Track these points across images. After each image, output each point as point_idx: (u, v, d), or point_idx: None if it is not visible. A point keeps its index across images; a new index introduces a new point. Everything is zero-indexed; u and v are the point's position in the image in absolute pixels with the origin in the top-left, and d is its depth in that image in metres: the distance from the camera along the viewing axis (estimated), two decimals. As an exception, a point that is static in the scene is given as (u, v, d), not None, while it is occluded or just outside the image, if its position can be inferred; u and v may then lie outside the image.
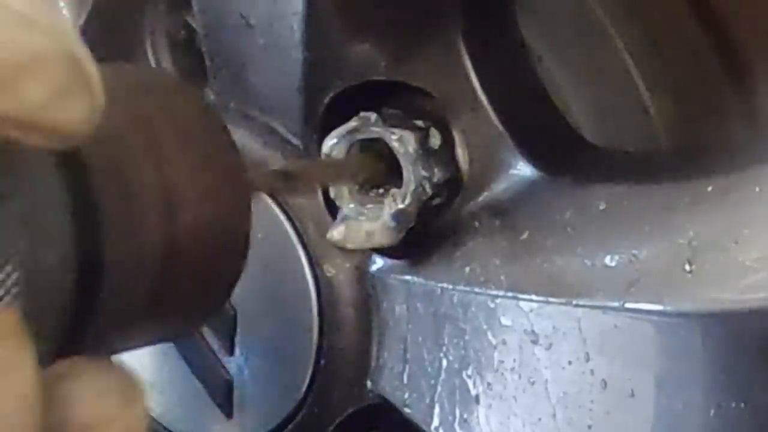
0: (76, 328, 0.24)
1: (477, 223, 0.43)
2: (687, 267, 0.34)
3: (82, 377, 0.24)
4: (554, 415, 0.38)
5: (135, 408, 0.24)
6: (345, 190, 0.44)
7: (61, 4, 0.55)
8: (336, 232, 0.44)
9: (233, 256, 0.29)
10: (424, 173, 0.43)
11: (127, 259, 0.25)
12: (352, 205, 0.44)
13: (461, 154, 0.44)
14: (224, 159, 0.28)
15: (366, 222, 0.43)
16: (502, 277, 0.40)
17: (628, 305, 0.36)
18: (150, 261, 0.26)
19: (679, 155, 0.52)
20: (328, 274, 0.46)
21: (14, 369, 0.21)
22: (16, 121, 0.21)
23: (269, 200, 0.47)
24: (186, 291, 0.27)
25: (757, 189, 0.34)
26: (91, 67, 0.22)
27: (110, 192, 0.24)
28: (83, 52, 0.22)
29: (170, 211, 0.26)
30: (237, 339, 0.49)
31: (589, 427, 0.37)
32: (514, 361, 0.40)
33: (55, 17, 0.21)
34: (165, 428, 0.53)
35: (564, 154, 0.44)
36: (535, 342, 0.39)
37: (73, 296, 0.24)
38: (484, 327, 0.40)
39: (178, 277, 0.26)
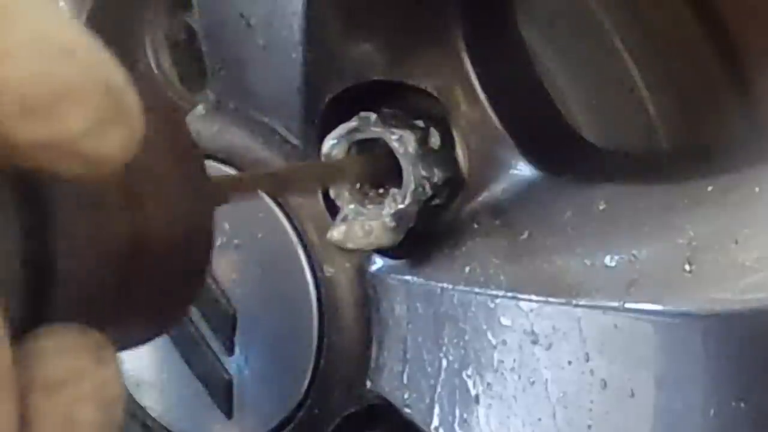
0: (35, 320, 0.24)
1: (477, 223, 0.43)
2: (687, 267, 0.34)
3: (51, 336, 0.23)
4: (554, 415, 0.38)
5: (107, 367, 0.24)
6: (345, 190, 0.44)
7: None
8: (336, 232, 0.44)
9: (195, 260, 0.29)
10: (423, 173, 0.43)
11: (91, 257, 0.24)
12: (352, 205, 0.44)
13: (461, 154, 0.44)
14: (188, 167, 0.28)
15: (366, 222, 0.43)
16: (502, 277, 0.40)
17: (627, 305, 0.36)
18: (113, 259, 0.26)
19: (679, 155, 0.52)
20: (328, 274, 0.46)
21: None
22: (55, 148, 0.21)
23: (269, 200, 0.47)
24: (149, 289, 0.27)
25: (757, 189, 0.34)
26: (131, 97, 0.22)
27: (64, 190, 0.24)
28: (123, 82, 0.22)
29: (132, 207, 0.26)
30: (237, 339, 0.49)
31: (589, 427, 0.37)
32: (514, 361, 0.40)
33: (94, 47, 0.21)
34: (165, 428, 0.53)
35: (564, 154, 0.44)
36: (534, 342, 0.39)
37: (27, 289, 0.23)
38: (484, 327, 0.40)
39: (142, 276, 0.26)
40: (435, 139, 0.43)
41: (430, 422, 0.43)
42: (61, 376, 0.23)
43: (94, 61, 0.21)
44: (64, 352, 0.23)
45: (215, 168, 0.48)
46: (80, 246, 0.23)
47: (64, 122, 0.21)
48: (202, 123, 0.49)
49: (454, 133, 0.44)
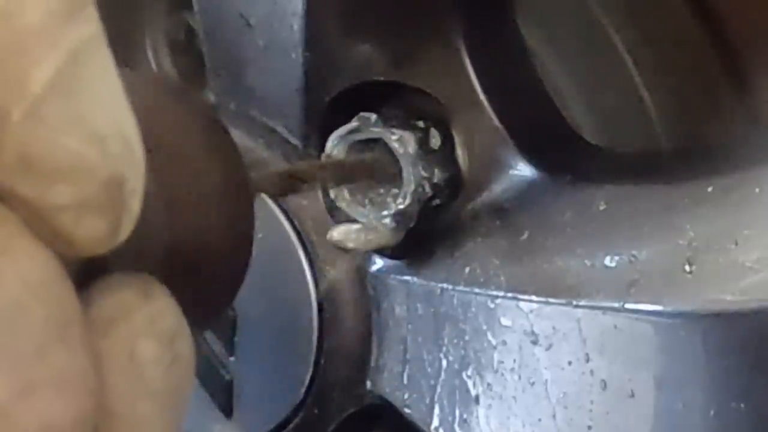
0: None
1: (477, 224, 0.43)
2: (687, 268, 0.34)
3: (97, 283, 0.23)
4: (554, 416, 0.38)
5: (156, 300, 0.24)
6: (345, 190, 0.44)
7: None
8: (336, 232, 0.44)
9: (237, 260, 0.29)
10: (424, 173, 0.43)
11: (129, 258, 0.24)
12: (352, 206, 0.44)
13: (461, 154, 0.44)
14: (226, 161, 0.28)
15: (366, 222, 0.43)
16: (502, 278, 0.40)
17: (628, 306, 0.36)
18: (152, 261, 0.25)
19: (679, 155, 0.52)
20: (328, 275, 0.46)
21: (19, 250, 0.20)
22: (30, 207, 0.21)
23: (269, 200, 0.47)
24: (188, 293, 0.27)
25: (757, 190, 0.34)
26: (134, 203, 0.22)
27: None
28: (135, 183, 0.21)
29: (171, 209, 0.26)
30: (237, 339, 0.49)
31: (589, 427, 0.37)
32: (514, 361, 0.39)
33: (131, 141, 0.21)
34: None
35: (564, 155, 0.44)
36: (534, 342, 0.39)
37: (76, 276, 0.23)
38: (484, 327, 0.40)
39: (181, 279, 0.26)
40: (435, 140, 0.43)
41: (430, 422, 0.43)
42: (112, 314, 0.23)
43: (118, 155, 0.21)
44: (110, 290, 0.23)
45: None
46: (122, 246, 0.23)
47: (46, 191, 0.20)
48: (202, 123, 0.49)
49: (454, 134, 0.44)
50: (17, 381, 0.19)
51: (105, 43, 0.21)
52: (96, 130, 0.21)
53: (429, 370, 0.43)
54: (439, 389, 0.42)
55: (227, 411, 0.50)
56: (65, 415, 0.20)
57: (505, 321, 0.40)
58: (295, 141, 0.47)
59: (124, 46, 0.58)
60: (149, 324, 0.23)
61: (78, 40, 0.20)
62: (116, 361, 0.22)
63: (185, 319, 0.24)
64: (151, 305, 0.23)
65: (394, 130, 0.43)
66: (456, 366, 0.42)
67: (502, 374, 0.40)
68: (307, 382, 0.47)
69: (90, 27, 0.20)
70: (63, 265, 0.21)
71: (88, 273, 0.23)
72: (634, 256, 0.36)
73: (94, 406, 0.21)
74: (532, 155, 0.43)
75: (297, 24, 0.44)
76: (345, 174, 0.44)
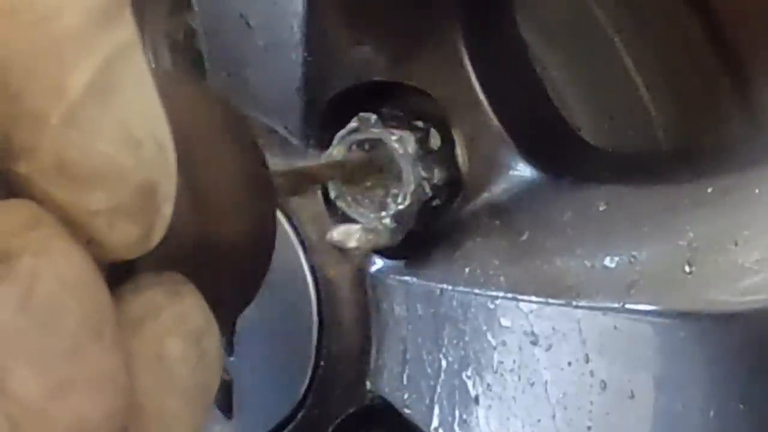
0: None
1: (477, 224, 0.43)
2: (687, 268, 0.34)
3: (127, 283, 0.23)
4: (554, 416, 0.38)
5: (184, 299, 0.24)
6: (345, 190, 0.44)
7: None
8: (336, 233, 0.44)
9: (262, 254, 0.29)
10: (423, 174, 0.43)
11: (158, 256, 0.25)
12: (352, 206, 0.44)
13: (461, 154, 0.44)
14: (250, 157, 0.28)
15: (366, 222, 0.43)
16: (502, 278, 0.40)
17: (627, 306, 0.36)
18: (181, 258, 0.26)
19: (679, 156, 0.52)
20: (328, 275, 0.46)
21: (57, 251, 0.20)
22: (65, 211, 0.21)
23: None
24: (216, 287, 0.27)
25: (757, 191, 0.34)
26: (166, 208, 0.22)
27: None
28: (168, 187, 0.22)
29: (198, 208, 0.26)
30: (237, 340, 0.49)
31: (589, 428, 0.37)
32: (514, 362, 0.39)
33: (165, 147, 0.21)
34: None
35: (564, 155, 0.44)
36: (534, 343, 0.39)
37: (108, 276, 0.24)
38: (484, 328, 0.40)
39: (208, 275, 0.26)
40: (435, 140, 0.43)
41: (430, 423, 0.43)
42: (141, 313, 0.23)
43: (152, 160, 0.21)
44: (139, 290, 0.23)
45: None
46: (151, 249, 0.23)
47: (81, 195, 0.21)
48: (202, 123, 0.49)
49: (454, 134, 0.44)
50: (53, 379, 0.20)
51: (140, 47, 0.21)
52: (131, 135, 0.21)
53: (429, 370, 0.43)
54: (438, 389, 0.42)
55: (227, 411, 0.50)
56: (98, 412, 0.20)
57: (504, 321, 0.40)
58: (295, 141, 0.47)
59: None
60: (178, 323, 0.23)
61: (114, 44, 0.20)
62: (146, 359, 0.23)
63: (213, 318, 0.24)
64: (180, 304, 0.24)
65: (393, 131, 0.43)
66: (456, 366, 0.42)
67: (502, 375, 0.40)
68: (307, 382, 0.47)
69: (126, 32, 0.21)
70: (97, 265, 0.21)
71: (118, 271, 0.23)
72: (634, 256, 0.36)
73: (126, 403, 0.21)
74: (532, 155, 0.43)
75: (297, 24, 0.44)
76: (345, 174, 0.44)
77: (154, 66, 0.58)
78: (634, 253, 0.36)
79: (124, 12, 0.21)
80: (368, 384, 0.46)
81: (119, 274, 0.23)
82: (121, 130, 0.21)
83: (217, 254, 0.27)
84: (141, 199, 0.21)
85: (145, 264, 0.24)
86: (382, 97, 0.45)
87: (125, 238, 0.21)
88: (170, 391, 0.23)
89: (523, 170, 0.42)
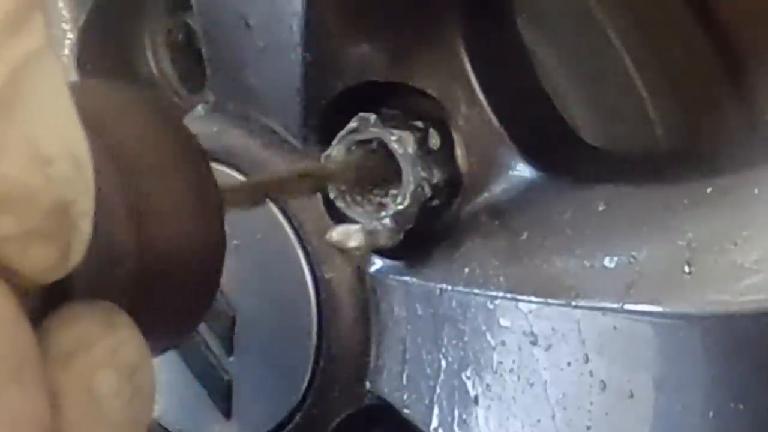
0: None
1: (476, 224, 0.43)
2: (686, 268, 0.34)
3: (59, 311, 0.22)
4: (553, 416, 0.38)
5: (119, 331, 0.23)
6: (344, 191, 0.44)
7: (60, 4, 0.55)
8: (335, 233, 0.44)
9: (207, 275, 0.28)
10: (423, 174, 0.43)
11: (96, 278, 0.24)
12: (351, 206, 0.44)
13: (460, 154, 0.44)
14: (195, 172, 0.28)
15: (365, 223, 0.43)
16: (501, 278, 0.40)
17: (627, 307, 0.36)
18: (120, 280, 0.25)
19: (679, 156, 0.52)
20: (328, 275, 0.46)
21: None
22: None
23: (268, 201, 0.47)
24: (158, 310, 0.26)
25: (756, 191, 0.34)
26: (84, 225, 0.21)
27: None
28: (84, 207, 0.21)
29: (139, 227, 0.25)
30: (236, 340, 0.49)
31: (588, 428, 0.37)
32: (513, 362, 0.39)
33: (80, 161, 0.20)
34: (165, 429, 0.53)
35: (563, 155, 0.44)
36: (534, 343, 0.39)
37: (39, 304, 0.23)
38: (483, 328, 0.40)
39: (150, 298, 0.26)
40: (434, 140, 0.43)
41: (429, 423, 0.43)
42: (72, 346, 0.22)
43: (65, 177, 0.20)
44: (71, 321, 0.22)
45: (214, 169, 0.48)
46: (88, 261, 0.23)
47: None
48: (202, 124, 0.49)
49: (454, 134, 0.44)
50: None
51: (53, 56, 0.20)
52: (41, 152, 0.19)
53: (428, 370, 0.43)
54: (438, 390, 0.42)
55: (227, 411, 0.50)
56: None
57: (504, 321, 0.40)
58: (294, 141, 0.47)
59: (124, 47, 0.58)
60: (110, 356, 0.23)
61: (20, 54, 0.19)
62: (74, 394, 0.22)
63: (148, 350, 0.24)
64: (113, 336, 0.23)
65: (393, 131, 0.43)
66: (455, 366, 0.42)
67: (501, 375, 0.40)
68: (306, 382, 0.47)
69: (35, 39, 0.19)
70: (21, 298, 0.20)
71: (52, 296, 0.22)
72: (633, 256, 0.36)
73: None
74: (531, 155, 0.43)
75: (296, 24, 0.44)
76: (345, 175, 0.44)
77: (153, 66, 0.58)
78: (633, 253, 0.36)
79: (32, 18, 0.19)
80: (368, 384, 0.46)
81: (53, 300, 0.23)
82: (29, 147, 0.19)
83: (159, 275, 0.26)
84: (55, 219, 0.20)
85: (80, 288, 0.23)
86: (382, 97, 0.45)
87: (41, 261, 0.20)
88: (100, 427, 0.22)
89: (523, 170, 0.42)
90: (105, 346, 0.22)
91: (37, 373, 0.20)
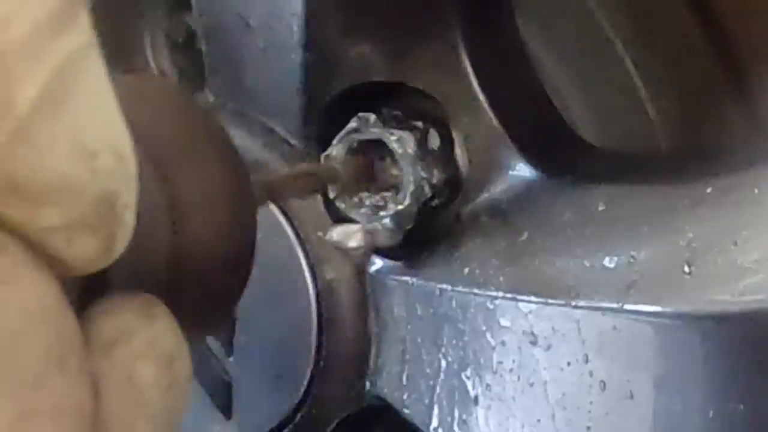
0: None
1: (476, 224, 0.43)
2: (686, 268, 0.34)
3: (99, 303, 0.23)
4: (553, 416, 0.38)
5: (157, 322, 0.24)
6: (345, 190, 0.44)
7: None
8: (335, 233, 0.44)
9: (240, 268, 0.29)
10: (423, 174, 0.43)
11: (133, 270, 0.24)
12: (351, 206, 0.44)
13: (460, 154, 0.44)
14: (230, 167, 0.28)
15: (365, 223, 0.43)
16: (501, 278, 0.40)
17: (627, 307, 0.36)
18: (156, 272, 0.25)
19: (679, 156, 0.52)
20: (328, 276, 0.46)
21: (21, 279, 0.20)
22: (21, 230, 0.20)
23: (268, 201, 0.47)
24: (193, 302, 0.27)
25: (756, 191, 0.34)
26: (128, 217, 0.21)
27: None
28: (128, 200, 0.21)
29: (175, 222, 0.26)
30: (236, 340, 0.49)
31: (588, 428, 0.37)
32: (513, 362, 0.39)
33: (123, 154, 0.21)
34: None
35: (563, 155, 0.44)
36: (534, 343, 0.39)
37: (78, 294, 0.23)
38: (483, 328, 0.40)
39: (185, 289, 0.26)
40: (434, 140, 0.43)
41: (429, 423, 0.43)
42: (112, 336, 0.23)
43: (109, 171, 0.21)
44: (111, 312, 0.23)
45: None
46: (124, 259, 0.23)
47: (36, 213, 0.20)
48: (202, 123, 0.49)
49: (454, 134, 0.44)
50: (15, 409, 0.19)
51: (98, 52, 0.20)
52: (86, 146, 0.20)
53: (428, 370, 0.43)
54: (438, 390, 0.42)
55: (227, 411, 0.50)
56: None
57: (504, 322, 0.40)
58: (294, 141, 0.47)
59: (124, 47, 0.58)
60: (149, 346, 0.23)
61: (67, 51, 0.20)
62: (115, 383, 0.22)
63: (185, 340, 0.24)
64: (152, 327, 0.23)
65: (393, 131, 0.43)
66: (455, 366, 0.42)
67: (501, 375, 0.40)
68: (306, 382, 0.47)
69: (81, 38, 0.20)
70: (64, 288, 0.21)
71: (90, 288, 0.23)
72: (633, 256, 0.36)
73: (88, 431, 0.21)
74: (531, 155, 0.43)
75: (296, 24, 0.44)
76: (345, 175, 0.44)
77: (153, 66, 0.58)
78: (633, 253, 0.36)
79: (78, 15, 0.20)
80: (368, 384, 0.46)
81: (92, 292, 0.23)
82: (74, 142, 0.20)
83: (193, 270, 0.26)
84: (99, 212, 0.21)
85: (118, 281, 0.24)
86: (382, 97, 0.45)
87: (86, 252, 0.21)
88: (140, 415, 0.23)
89: (523, 170, 0.42)
90: (144, 336, 0.23)
91: (81, 361, 0.21)
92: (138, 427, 0.23)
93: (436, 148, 0.43)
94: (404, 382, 0.44)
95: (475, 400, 0.41)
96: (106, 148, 0.21)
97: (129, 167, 0.21)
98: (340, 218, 0.45)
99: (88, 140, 0.20)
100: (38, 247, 0.20)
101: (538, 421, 0.39)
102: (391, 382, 0.45)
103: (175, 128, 0.27)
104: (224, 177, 0.28)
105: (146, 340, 0.23)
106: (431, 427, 0.43)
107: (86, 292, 0.23)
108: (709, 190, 0.35)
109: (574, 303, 0.37)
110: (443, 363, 0.42)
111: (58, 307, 0.20)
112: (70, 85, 0.20)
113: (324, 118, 0.45)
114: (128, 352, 0.23)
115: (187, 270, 0.26)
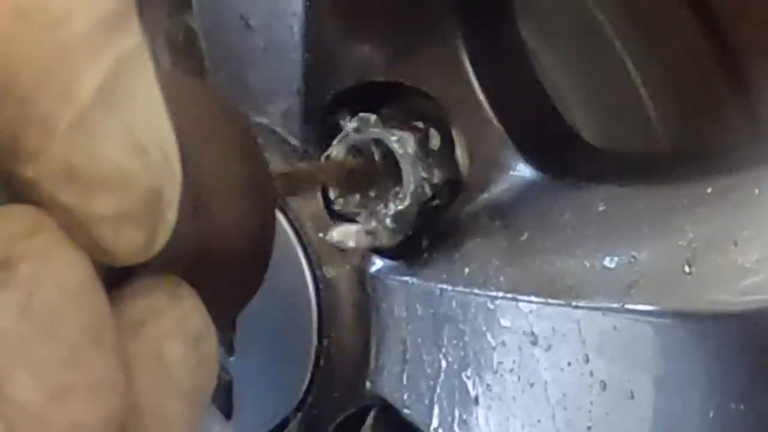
0: None
1: (477, 224, 0.43)
2: (686, 268, 0.34)
3: (127, 285, 0.24)
4: (553, 417, 0.38)
5: (184, 302, 0.24)
6: (345, 190, 0.44)
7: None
8: (335, 233, 0.44)
9: (260, 258, 0.29)
10: (423, 174, 0.43)
11: (157, 263, 0.25)
12: (351, 206, 0.44)
13: (461, 155, 0.44)
14: (251, 159, 0.29)
15: (366, 223, 0.43)
16: (502, 278, 0.40)
17: (627, 306, 0.36)
18: (181, 258, 0.26)
19: (679, 156, 0.52)
20: (328, 275, 0.46)
21: (57, 257, 0.20)
22: (71, 215, 0.21)
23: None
24: (216, 288, 0.27)
25: (757, 191, 0.34)
26: (170, 214, 0.22)
27: None
28: (172, 197, 0.22)
29: (198, 212, 0.26)
30: (236, 339, 0.49)
31: (589, 428, 0.37)
32: (514, 362, 0.39)
33: (170, 156, 0.22)
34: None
35: (564, 155, 0.44)
36: (534, 343, 0.39)
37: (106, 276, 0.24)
38: (484, 328, 0.40)
39: (209, 276, 0.27)
40: (435, 140, 0.43)
41: (430, 423, 0.43)
42: (141, 316, 0.23)
43: (158, 167, 0.21)
44: (140, 293, 0.24)
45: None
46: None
47: (89, 201, 0.21)
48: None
49: (454, 134, 0.44)
50: (51, 384, 0.20)
51: (147, 53, 0.21)
52: (138, 141, 0.21)
53: (428, 370, 0.43)
54: (438, 390, 0.42)
55: (227, 411, 0.50)
56: (96, 417, 0.20)
57: (504, 322, 0.40)
58: (294, 141, 0.47)
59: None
60: (177, 326, 0.24)
61: (123, 50, 0.20)
62: (145, 361, 0.23)
63: (210, 321, 0.25)
64: (179, 307, 0.24)
65: (393, 131, 0.43)
66: (455, 367, 0.42)
67: (502, 375, 0.40)
68: (306, 382, 0.47)
69: (134, 37, 0.21)
70: (97, 270, 0.21)
71: (117, 272, 0.23)
72: (633, 257, 0.36)
73: (123, 408, 0.21)
74: (531, 156, 0.43)
75: (297, 24, 0.44)
76: (345, 175, 0.44)
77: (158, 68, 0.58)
78: (633, 253, 0.36)
79: (131, 18, 0.21)
80: (368, 384, 0.46)
81: (118, 275, 0.23)
82: (129, 136, 0.21)
83: (216, 259, 0.27)
84: (146, 206, 0.21)
85: (147, 269, 0.24)
86: (382, 98, 0.45)
87: (130, 244, 0.22)
88: (169, 393, 0.23)
89: (523, 170, 0.42)
90: (172, 315, 0.24)
91: (115, 339, 0.21)
92: (168, 405, 0.23)
93: (436, 149, 0.43)
94: (405, 382, 0.44)
95: (476, 400, 0.41)
96: (156, 145, 0.21)
97: (174, 166, 0.22)
98: (340, 218, 0.45)
99: (141, 135, 0.21)
100: (84, 234, 0.21)
101: (539, 421, 0.39)
102: (392, 382, 0.45)
103: (198, 119, 0.28)
104: (245, 169, 0.28)
105: (174, 319, 0.24)
106: (431, 427, 0.43)
107: (113, 274, 0.23)
108: (709, 190, 0.35)
109: (574, 303, 0.37)
110: (444, 363, 0.42)
111: (92, 285, 0.21)
112: (126, 81, 0.21)
113: (324, 118, 0.45)
114: (157, 331, 0.23)
115: (211, 258, 0.27)
